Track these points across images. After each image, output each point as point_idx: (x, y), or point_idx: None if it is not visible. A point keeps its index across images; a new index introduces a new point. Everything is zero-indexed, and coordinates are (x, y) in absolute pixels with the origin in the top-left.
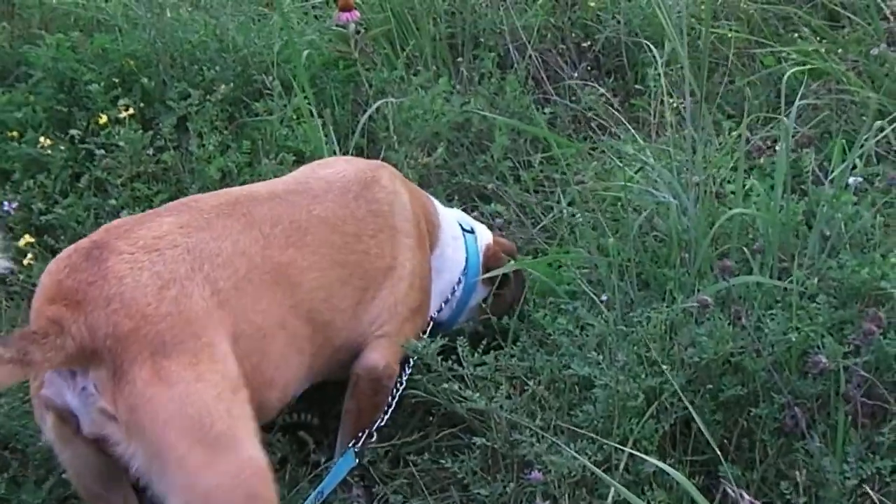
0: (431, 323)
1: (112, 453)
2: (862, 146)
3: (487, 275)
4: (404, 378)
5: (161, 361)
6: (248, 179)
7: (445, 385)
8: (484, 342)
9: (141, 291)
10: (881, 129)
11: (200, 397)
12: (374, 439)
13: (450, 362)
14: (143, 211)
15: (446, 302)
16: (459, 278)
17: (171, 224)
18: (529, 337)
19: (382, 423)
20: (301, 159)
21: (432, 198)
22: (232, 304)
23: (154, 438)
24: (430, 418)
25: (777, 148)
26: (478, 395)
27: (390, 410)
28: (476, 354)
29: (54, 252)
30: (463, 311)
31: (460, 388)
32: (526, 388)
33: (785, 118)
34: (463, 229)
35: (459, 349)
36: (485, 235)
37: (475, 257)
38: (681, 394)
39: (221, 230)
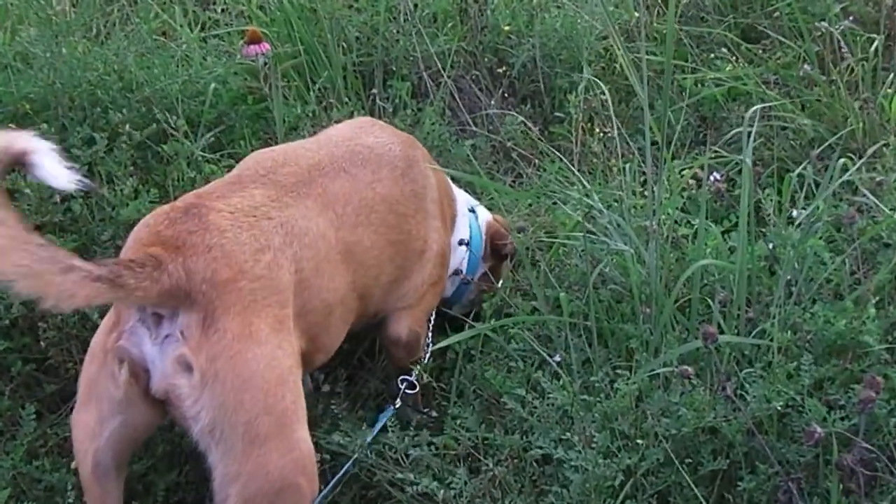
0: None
1: (175, 413)
2: (800, 176)
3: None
4: (430, 331)
5: (251, 318)
6: None
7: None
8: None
9: (240, 247)
10: (819, 158)
11: (280, 364)
12: (416, 389)
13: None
14: None
15: (453, 275)
16: (464, 255)
17: (263, 196)
18: (478, 398)
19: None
20: None
21: (447, 176)
22: (309, 284)
23: (230, 395)
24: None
25: (712, 178)
26: (435, 483)
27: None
28: (407, 438)
29: None
30: (468, 288)
31: (415, 477)
32: (483, 466)
33: (747, 160)
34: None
35: (391, 434)
36: (485, 214)
37: (478, 235)
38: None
39: (305, 210)
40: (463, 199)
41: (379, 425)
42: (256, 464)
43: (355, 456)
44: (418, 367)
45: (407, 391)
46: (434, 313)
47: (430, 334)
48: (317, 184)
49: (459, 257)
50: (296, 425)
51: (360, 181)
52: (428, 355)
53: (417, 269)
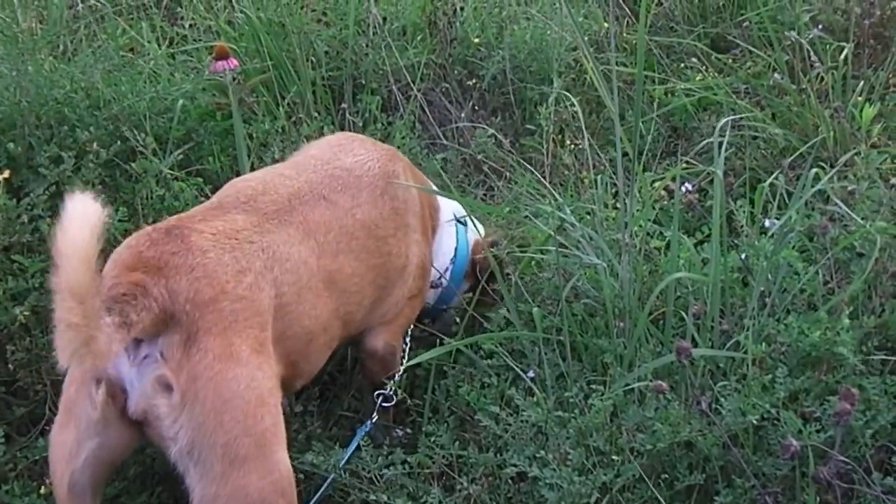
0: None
1: (153, 434)
2: (772, 185)
3: None
4: (407, 344)
5: (232, 338)
6: None
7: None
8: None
9: (222, 268)
10: (791, 167)
11: (260, 385)
12: (392, 402)
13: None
14: (17, 283)
15: (435, 287)
16: (448, 266)
17: (245, 221)
18: (452, 414)
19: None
20: None
21: (430, 182)
22: (290, 310)
23: (209, 415)
24: None
25: (684, 189)
26: (410, 503)
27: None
28: (381, 458)
29: None
30: (450, 298)
31: (389, 497)
32: (457, 484)
33: (719, 172)
34: (457, 220)
35: (364, 453)
36: (476, 231)
37: (464, 247)
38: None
39: (287, 237)
40: (449, 208)
41: (354, 443)
42: (235, 485)
43: (332, 476)
44: (393, 381)
45: (383, 405)
46: (412, 326)
47: (406, 347)
48: (297, 212)
49: (442, 264)
50: (275, 447)
51: (340, 208)
52: (402, 370)
53: (399, 285)
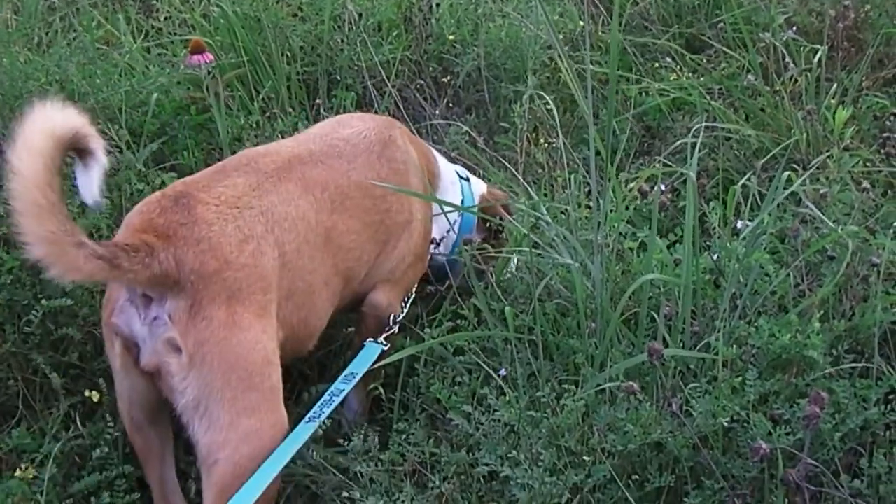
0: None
1: (163, 386)
2: (744, 187)
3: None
4: (405, 309)
5: (236, 306)
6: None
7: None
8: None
9: (226, 239)
10: (764, 169)
11: (265, 346)
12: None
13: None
14: None
15: (442, 240)
16: (456, 218)
17: (244, 185)
18: (424, 411)
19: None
20: None
21: (431, 148)
22: (292, 266)
23: (217, 375)
24: None
25: (658, 189)
26: (382, 500)
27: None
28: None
29: None
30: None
31: (361, 494)
32: (430, 482)
33: (692, 174)
34: (460, 176)
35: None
36: (480, 185)
37: (470, 200)
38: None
39: (285, 195)
40: (450, 171)
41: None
42: (247, 430)
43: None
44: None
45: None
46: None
47: (404, 309)
48: (296, 171)
49: (450, 221)
50: (276, 401)
51: (336, 170)
52: (397, 329)
53: (405, 239)
